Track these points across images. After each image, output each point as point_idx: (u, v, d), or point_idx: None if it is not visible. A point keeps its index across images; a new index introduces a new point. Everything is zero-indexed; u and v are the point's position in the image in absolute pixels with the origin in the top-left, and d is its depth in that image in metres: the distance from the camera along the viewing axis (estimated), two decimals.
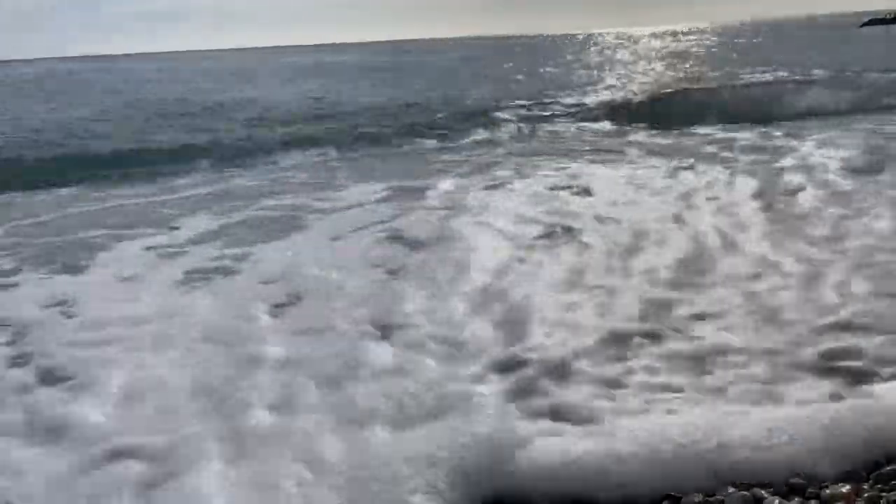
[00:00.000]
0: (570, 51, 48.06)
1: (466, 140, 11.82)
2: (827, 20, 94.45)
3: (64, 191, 9.01)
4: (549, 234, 5.73)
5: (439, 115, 13.79)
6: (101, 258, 5.77)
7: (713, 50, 39.14)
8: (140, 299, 4.75)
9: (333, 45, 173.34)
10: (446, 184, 8.09)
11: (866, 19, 68.97)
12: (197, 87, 27.31)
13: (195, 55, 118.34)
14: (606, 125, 12.94)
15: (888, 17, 65.90)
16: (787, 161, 8.42)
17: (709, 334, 3.76)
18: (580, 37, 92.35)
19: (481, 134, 12.22)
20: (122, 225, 6.88)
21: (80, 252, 5.95)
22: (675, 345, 3.65)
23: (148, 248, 6.00)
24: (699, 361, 3.44)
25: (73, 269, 5.50)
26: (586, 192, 7.31)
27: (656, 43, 54.60)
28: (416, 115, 14.14)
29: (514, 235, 5.77)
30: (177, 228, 6.65)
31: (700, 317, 3.98)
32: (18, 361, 3.84)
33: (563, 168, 8.82)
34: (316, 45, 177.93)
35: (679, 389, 3.18)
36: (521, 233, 5.82)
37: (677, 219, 5.99)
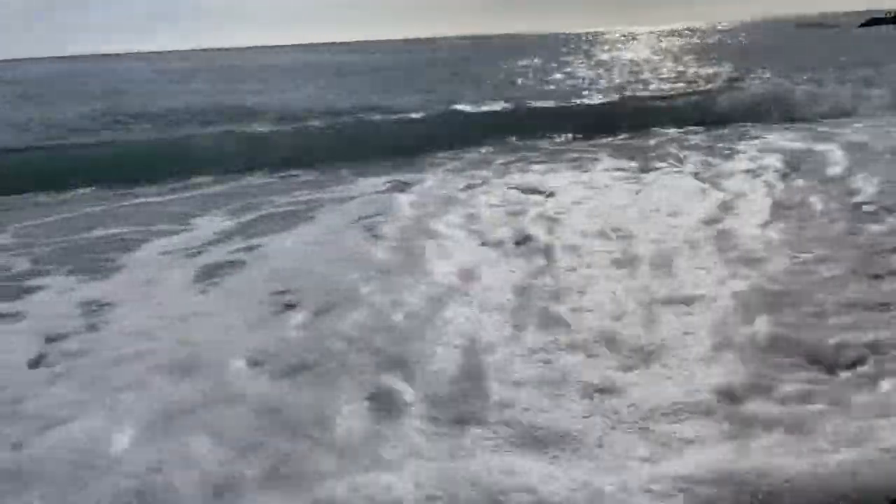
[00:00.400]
0: (564, 50, 48.26)
1: (449, 140, 11.88)
2: (824, 20, 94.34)
3: (80, 191, 9.17)
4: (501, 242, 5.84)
5: (430, 115, 13.87)
6: (127, 258, 5.89)
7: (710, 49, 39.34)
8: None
9: (332, 44, 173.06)
10: (435, 180, 8.70)
11: (864, 19, 68.46)
12: (197, 89, 27.36)
13: (191, 55, 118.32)
14: (583, 126, 12.92)
15: (888, 15, 65.17)
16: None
17: None
18: (570, 36, 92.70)
19: (466, 138, 12.19)
20: (141, 223, 7.03)
21: (105, 252, 6.12)
22: None
23: (170, 247, 6.14)
24: None
25: (100, 270, 5.62)
26: (551, 195, 7.47)
27: (653, 42, 54.79)
28: (407, 114, 14.21)
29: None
30: (196, 227, 6.80)
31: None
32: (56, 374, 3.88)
33: (536, 171, 9.10)
34: (314, 45, 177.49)
35: None
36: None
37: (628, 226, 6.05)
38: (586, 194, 7.41)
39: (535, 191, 7.68)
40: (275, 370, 3.68)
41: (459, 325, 4.11)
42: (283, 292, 4.79)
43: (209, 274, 5.34)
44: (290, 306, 4.56)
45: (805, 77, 17.32)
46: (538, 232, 5.96)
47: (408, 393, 3.36)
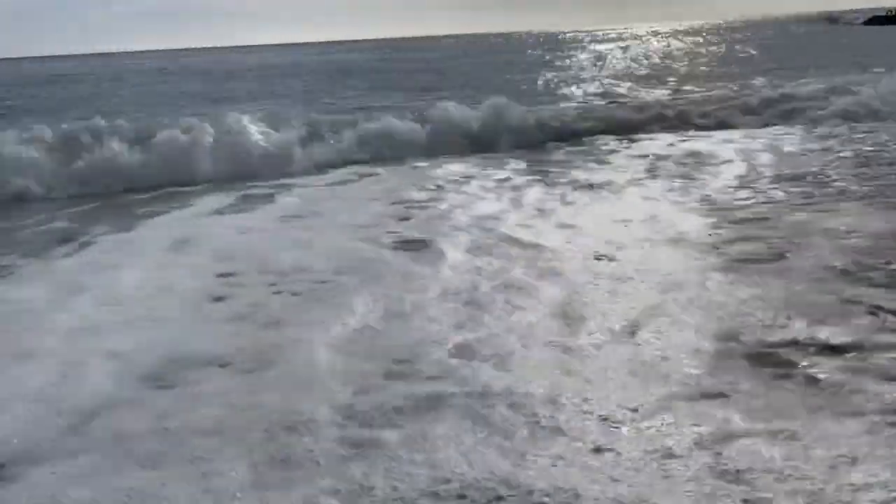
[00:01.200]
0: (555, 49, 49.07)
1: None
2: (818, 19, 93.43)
3: None
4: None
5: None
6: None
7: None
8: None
9: (324, 43, 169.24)
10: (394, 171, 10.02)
11: (863, 18, 68.38)
12: (199, 89, 28.55)
13: (187, 53, 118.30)
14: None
15: (890, 13, 64.64)
16: None
17: None
18: (557, 35, 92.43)
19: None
20: None
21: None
22: None
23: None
24: None
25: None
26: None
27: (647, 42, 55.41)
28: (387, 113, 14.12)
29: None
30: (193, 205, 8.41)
31: None
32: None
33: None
34: (309, 43, 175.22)
35: None
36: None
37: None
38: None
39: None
40: None
41: None
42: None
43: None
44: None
45: None
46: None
47: None
